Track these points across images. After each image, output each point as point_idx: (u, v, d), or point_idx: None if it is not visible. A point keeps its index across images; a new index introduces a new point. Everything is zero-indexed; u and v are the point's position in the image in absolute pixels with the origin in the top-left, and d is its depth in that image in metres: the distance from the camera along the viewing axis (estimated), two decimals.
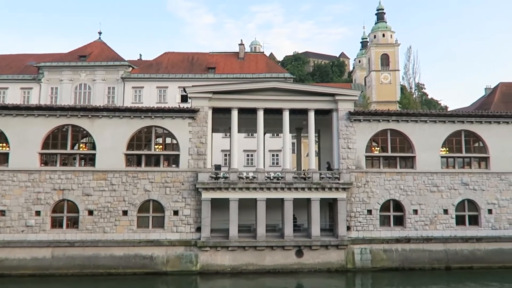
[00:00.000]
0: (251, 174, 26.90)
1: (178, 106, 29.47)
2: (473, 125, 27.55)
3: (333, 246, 25.21)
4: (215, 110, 26.90)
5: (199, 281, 23.26)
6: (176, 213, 25.15)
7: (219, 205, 25.68)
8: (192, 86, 27.41)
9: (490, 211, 26.80)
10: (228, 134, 33.01)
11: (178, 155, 25.86)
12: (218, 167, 33.32)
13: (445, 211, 26.57)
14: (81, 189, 24.82)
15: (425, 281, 23.48)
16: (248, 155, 46.04)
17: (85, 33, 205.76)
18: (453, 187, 26.79)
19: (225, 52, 55.81)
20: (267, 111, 26.83)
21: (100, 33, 54.97)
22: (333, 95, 26.98)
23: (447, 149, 27.74)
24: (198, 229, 24.83)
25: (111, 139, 25.40)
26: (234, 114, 26.52)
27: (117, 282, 22.88)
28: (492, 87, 61.10)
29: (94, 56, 51.14)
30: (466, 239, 26.26)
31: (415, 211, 26.44)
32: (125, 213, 24.85)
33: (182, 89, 27.70)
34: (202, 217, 24.78)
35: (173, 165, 26.11)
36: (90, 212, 24.72)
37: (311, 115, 26.98)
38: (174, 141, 26.32)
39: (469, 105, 63.97)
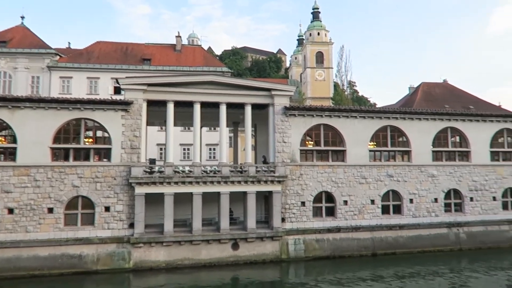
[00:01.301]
0: (187, 168, 26.56)
1: (110, 98, 28.15)
2: (398, 121, 29.55)
3: (268, 237, 25.76)
4: (150, 103, 26.12)
5: (132, 278, 22.54)
6: (107, 209, 24.09)
7: (154, 200, 25.06)
8: (126, 77, 26.31)
9: (411, 201, 29.00)
10: (163, 127, 32.27)
11: (110, 149, 24.76)
12: (153, 161, 32.40)
13: (372, 202, 28.29)
14: (0, 186, 22.84)
15: (354, 268, 24.81)
16: (184, 149, 45.37)
17: (5, 17, 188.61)
18: (379, 179, 28.58)
19: (162, 43, 54.26)
20: (204, 104, 26.61)
21: (22, 17, 50.56)
22: (269, 90, 27.42)
23: (375, 143, 29.50)
24: (131, 225, 24.04)
25: (35, 132, 23.59)
26: (170, 107, 25.96)
27: (42, 284, 21.41)
28: (415, 86, 65.93)
29: (16, 42, 46.99)
30: (390, 227, 28.20)
31: (345, 202, 27.84)
32: (50, 210, 23.29)
33: (115, 80, 26.42)
34: (136, 213, 24.02)
35: (105, 159, 24.92)
36: (10, 211, 22.84)
37: (248, 110, 27.22)
38: (106, 134, 25.15)
39: (395, 103, 68.41)
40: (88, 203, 24.00)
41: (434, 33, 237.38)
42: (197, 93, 26.24)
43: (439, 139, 30.36)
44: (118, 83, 25.48)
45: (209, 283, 21.81)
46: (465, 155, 30.80)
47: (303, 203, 27.08)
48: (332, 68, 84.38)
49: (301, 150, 27.80)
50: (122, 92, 25.88)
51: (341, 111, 28.77)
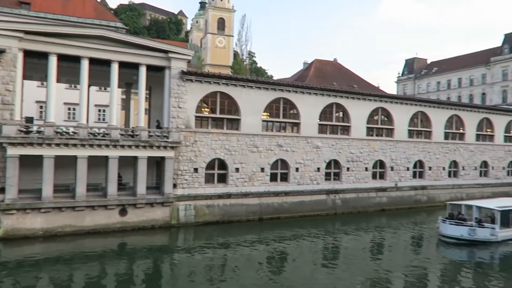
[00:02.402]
0: (71, 130, 24.43)
1: None
2: (291, 94, 31.03)
3: (159, 203, 25.45)
4: (28, 54, 23.06)
5: (1, 248, 20.40)
6: None
7: (31, 163, 22.65)
8: None
9: (297, 169, 31.16)
10: (44, 83, 28.94)
11: None
12: (30, 120, 29.05)
13: (262, 169, 29.68)
14: None
15: (242, 232, 26.07)
16: (69, 109, 41.57)
17: None
18: (270, 148, 30.00)
19: None
20: (93, 61, 24.44)
21: None
22: (167, 52, 26.30)
23: (268, 114, 30.67)
24: (2, 190, 21.51)
25: None
26: (52, 61, 23.28)
27: None
28: (309, 62, 69.65)
29: None
30: (277, 194, 30.07)
31: (237, 170, 28.72)
32: None
33: None
34: (7, 177, 21.49)
35: None
36: None
37: (143, 71, 25.85)
38: None
39: (290, 76, 71.69)
40: None
41: (332, 11, 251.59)
42: (86, 48, 23.92)
43: (325, 113, 32.84)
44: None
45: (94, 250, 20.84)
46: (346, 129, 33.92)
47: (196, 170, 27.18)
48: (233, 36, 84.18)
49: (196, 116, 27.58)
50: None
51: (238, 80, 29.10)
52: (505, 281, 17.88)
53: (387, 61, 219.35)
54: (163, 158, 26.08)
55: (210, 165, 27.97)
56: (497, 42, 72.91)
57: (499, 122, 43.51)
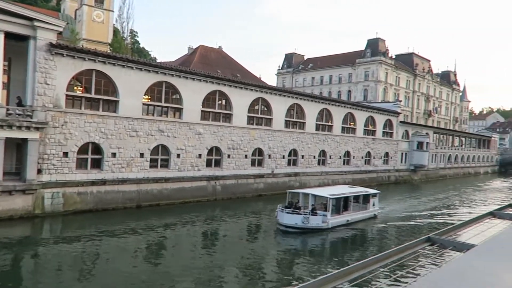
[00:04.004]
0: None
1: None
2: (174, 78, 30.24)
3: (19, 191, 22.51)
4: None
5: None
6: None
7: None
8: None
9: (178, 156, 30.70)
10: None
11: None
12: None
13: (142, 155, 28.47)
14: None
15: (118, 220, 24.68)
16: None
17: None
18: (150, 133, 28.89)
19: None
20: None
21: None
22: (31, 19, 23.12)
23: (150, 97, 29.43)
24: None
25: None
26: None
27: None
28: (194, 47, 68.80)
29: None
30: (156, 180, 29.22)
31: (114, 154, 27.01)
32: None
33: None
34: None
35: None
36: None
37: (0, 38, 22.28)
38: None
39: (174, 60, 69.91)
40: None
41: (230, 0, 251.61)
42: None
43: (208, 100, 32.93)
44: None
45: None
46: (228, 117, 34.57)
47: (65, 154, 24.73)
48: (113, 11, 77.90)
49: (67, 95, 25.01)
50: None
51: (117, 59, 27.20)
52: (326, 265, 18.36)
53: (270, 54, 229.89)
54: (25, 140, 23.05)
55: (83, 149, 25.75)
56: (363, 45, 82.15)
57: (360, 117, 49.35)
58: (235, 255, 19.55)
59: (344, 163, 47.04)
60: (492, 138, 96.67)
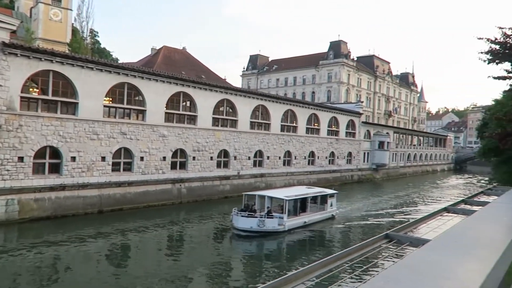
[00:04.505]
0: None
1: None
2: (136, 79, 29.57)
3: None
4: None
5: None
6: None
7: None
8: None
9: (142, 159, 30.03)
10: None
11: None
12: None
13: (103, 158, 27.61)
14: None
15: (78, 226, 23.77)
16: None
17: None
18: (112, 136, 28.09)
19: None
20: None
21: None
22: None
23: (111, 99, 28.62)
24: None
25: None
26: None
27: None
28: (157, 48, 67.62)
29: None
30: (119, 184, 28.44)
31: (73, 158, 26.04)
32: None
33: None
34: None
35: None
36: None
37: None
38: None
39: (137, 61, 68.39)
40: None
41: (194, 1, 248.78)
42: None
43: (172, 102, 32.46)
44: None
45: None
46: (193, 119, 34.22)
47: (21, 159, 23.57)
48: (71, 10, 75.23)
49: (22, 97, 23.87)
50: None
51: (76, 59, 26.25)
52: (281, 269, 17.86)
53: (236, 55, 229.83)
54: None
55: (40, 154, 24.64)
56: (326, 47, 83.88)
57: (324, 117, 50.31)
58: (190, 261, 18.98)
59: (309, 164, 47.75)
60: (448, 137, 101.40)
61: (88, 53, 59.73)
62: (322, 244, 23.97)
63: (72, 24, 76.53)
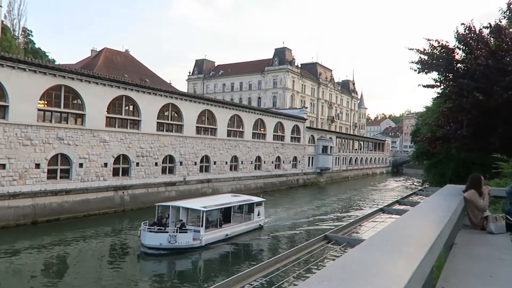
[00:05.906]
0: None
1: None
2: (74, 82, 28.15)
3: None
4: None
5: None
6: None
7: None
8: None
9: (81, 165, 28.55)
10: None
11: None
12: None
13: (37, 166, 25.91)
14: None
15: (9, 239, 22.00)
16: None
17: None
18: (47, 141, 26.46)
19: None
20: None
21: None
22: None
23: (46, 102, 26.98)
24: None
25: None
26: None
27: None
28: (98, 50, 64.87)
29: None
30: (56, 192, 26.82)
31: (3, 166, 24.16)
32: None
33: None
34: None
35: None
36: None
37: None
38: None
39: (76, 63, 65.16)
40: None
41: (136, 2, 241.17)
42: None
43: (114, 105, 31.28)
44: None
45: None
46: (136, 124, 33.17)
47: None
48: (1, 6, 70.23)
49: None
50: None
51: (5, 59, 24.45)
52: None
53: (180, 59, 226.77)
54: None
55: None
56: (271, 54, 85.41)
57: (270, 122, 51.05)
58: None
59: (255, 168, 48.11)
60: (386, 142, 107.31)
61: (21, 53, 56.02)
62: (247, 257, 21.65)
63: (2, 21, 71.26)
